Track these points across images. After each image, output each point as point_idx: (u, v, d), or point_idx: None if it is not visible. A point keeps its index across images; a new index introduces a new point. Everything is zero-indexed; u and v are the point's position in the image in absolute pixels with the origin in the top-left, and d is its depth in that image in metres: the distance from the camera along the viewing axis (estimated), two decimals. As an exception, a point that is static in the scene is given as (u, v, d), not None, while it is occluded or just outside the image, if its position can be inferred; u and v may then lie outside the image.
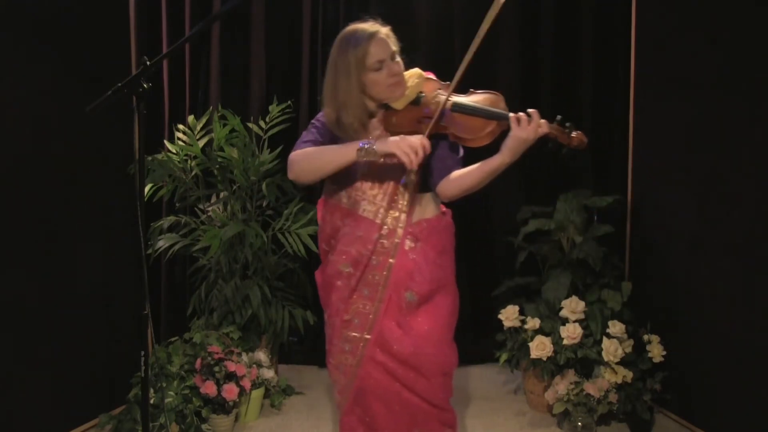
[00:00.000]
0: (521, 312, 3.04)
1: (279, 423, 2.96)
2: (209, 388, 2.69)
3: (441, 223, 1.99)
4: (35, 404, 2.57)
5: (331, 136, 1.92)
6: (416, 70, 1.94)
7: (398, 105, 1.90)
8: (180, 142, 3.22)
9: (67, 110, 2.65)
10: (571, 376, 2.81)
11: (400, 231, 1.91)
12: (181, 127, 3.30)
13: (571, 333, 2.80)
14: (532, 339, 2.88)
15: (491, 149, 1.80)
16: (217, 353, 2.79)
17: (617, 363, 2.75)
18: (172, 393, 2.66)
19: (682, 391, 2.81)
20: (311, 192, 3.49)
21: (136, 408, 2.64)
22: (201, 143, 3.17)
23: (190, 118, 3.30)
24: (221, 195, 3.25)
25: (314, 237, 3.09)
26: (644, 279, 3.08)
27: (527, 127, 1.70)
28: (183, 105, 3.55)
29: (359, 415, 1.97)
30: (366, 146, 1.76)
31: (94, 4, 2.86)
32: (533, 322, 2.93)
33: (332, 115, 1.89)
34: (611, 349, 2.74)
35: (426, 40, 3.45)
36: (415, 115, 1.88)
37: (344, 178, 1.95)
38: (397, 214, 1.92)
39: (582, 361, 2.82)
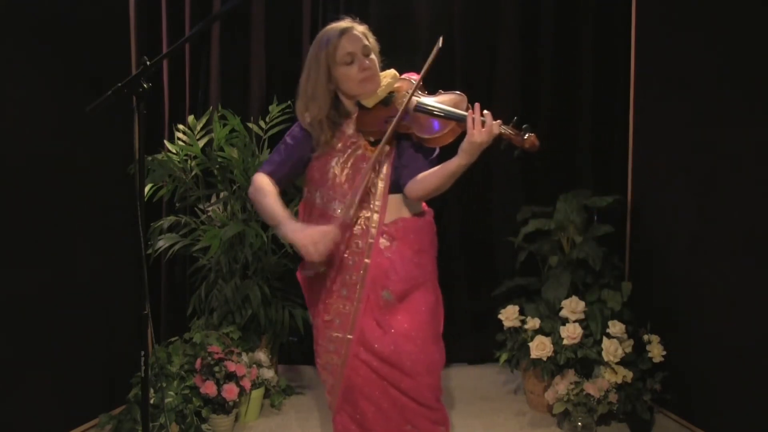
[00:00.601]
0: (521, 312, 3.04)
1: (279, 423, 2.96)
2: (209, 388, 2.69)
3: (418, 222, 1.99)
4: (35, 404, 2.57)
5: (304, 147, 1.96)
6: (391, 71, 1.96)
7: (369, 103, 1.91)
8: (180, 142, 3.22)
9: (67, 110, 2.65)
10: (571, 376, 2.81)
11: (373, 231, 1.91)
12: (181, 127, 3.29)
13: (571, 333, 2.80)
14: (532, 339, 2.88)
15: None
16: (217, 353, 2.79)
17: (617, 363, 2.74)
18: (172, 393, 2.66)
19: (682, 391, 2.81)
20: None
21: (136, 408, 2.64)
22: (201, 143, 3.17)
23: (190, 118, 3.30)
24: (221, 195, 3.24)
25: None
26: (644, 279, 3.08)
27: (481, 130, 1.70)
28: (183, 105, 3.55)
29: (350, 413, 1.97)
30: (277, 229, 1.87)
31: (94, 4, 2.86)
32: (533, 322, 2.93)
33: (302, 109, 1.93)
34: (611, 349, 2.74)
35: (426, 40, 3.45)
36: (383, 114, 1.89)
37: (319, 178, 1.97)
38: (369, 214, 1.92)
39: (582, 361, 2.82)
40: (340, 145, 1.94)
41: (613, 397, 2.73)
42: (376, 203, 1.92)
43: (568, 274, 3.01)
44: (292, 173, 2.04)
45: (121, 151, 2.98)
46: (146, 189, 3.12)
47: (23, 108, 2.52)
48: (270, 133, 3.25)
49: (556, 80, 3.53)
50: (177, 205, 3.36)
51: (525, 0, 3.49)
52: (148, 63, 1.54)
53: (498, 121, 1.72)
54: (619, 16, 3.37)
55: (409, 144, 1.91)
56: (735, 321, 2.56)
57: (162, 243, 3.11)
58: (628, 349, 2.80)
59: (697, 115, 2.73)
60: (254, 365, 2.94)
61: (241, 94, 3.59)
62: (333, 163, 1.93)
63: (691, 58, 2.78)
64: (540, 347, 2.83)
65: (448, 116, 1.80)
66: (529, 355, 2.86)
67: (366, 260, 1.91)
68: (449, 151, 1.82)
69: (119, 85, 1.53)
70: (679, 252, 2.86)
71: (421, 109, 1.84)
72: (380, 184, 1.92)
